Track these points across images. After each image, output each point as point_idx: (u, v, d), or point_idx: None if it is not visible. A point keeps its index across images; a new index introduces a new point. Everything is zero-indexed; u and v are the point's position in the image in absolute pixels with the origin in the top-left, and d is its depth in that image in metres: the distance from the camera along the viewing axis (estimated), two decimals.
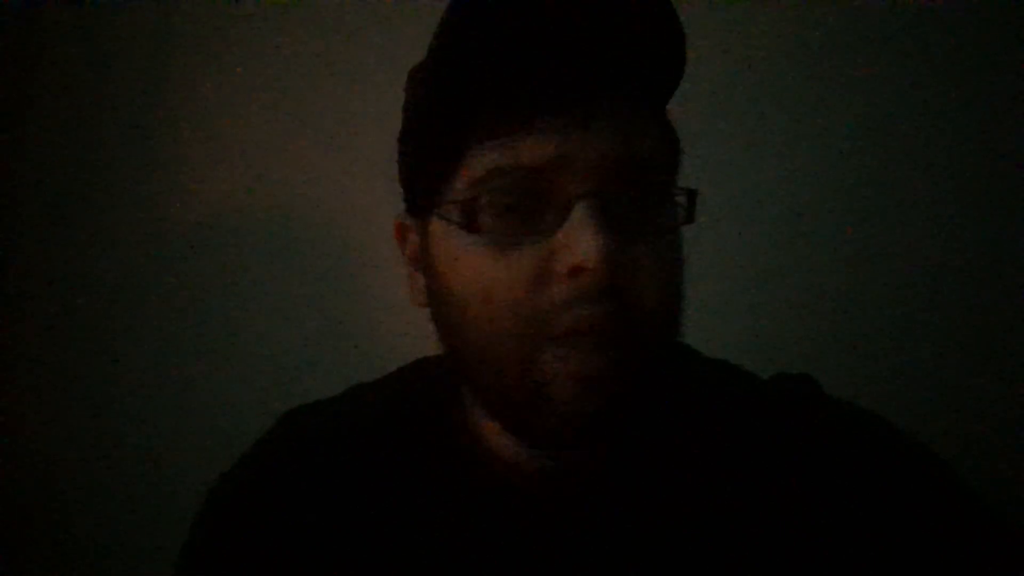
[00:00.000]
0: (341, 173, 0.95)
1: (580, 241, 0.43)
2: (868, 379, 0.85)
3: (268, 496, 0.54)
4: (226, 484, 0.57)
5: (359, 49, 0.95)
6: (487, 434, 0.51)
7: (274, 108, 0.97)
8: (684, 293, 0.49)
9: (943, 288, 0.87)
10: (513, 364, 0.45)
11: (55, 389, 1.01)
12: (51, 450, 1.00)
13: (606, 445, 0.50)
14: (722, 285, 0.89)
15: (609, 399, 0.45)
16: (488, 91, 0.45)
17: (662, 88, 0.49)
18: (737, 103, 0.89)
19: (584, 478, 0.50)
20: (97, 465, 0.99)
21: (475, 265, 0.46)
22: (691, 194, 0.48)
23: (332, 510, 0.53)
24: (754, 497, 0.50)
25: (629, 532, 0.50)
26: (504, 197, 0.45)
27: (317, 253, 0.97)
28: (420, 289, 0.52)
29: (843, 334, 0.88)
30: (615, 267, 0.44)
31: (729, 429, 0.52)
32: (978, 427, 0.85)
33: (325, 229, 0.97)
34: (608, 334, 0.44)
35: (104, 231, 1.00)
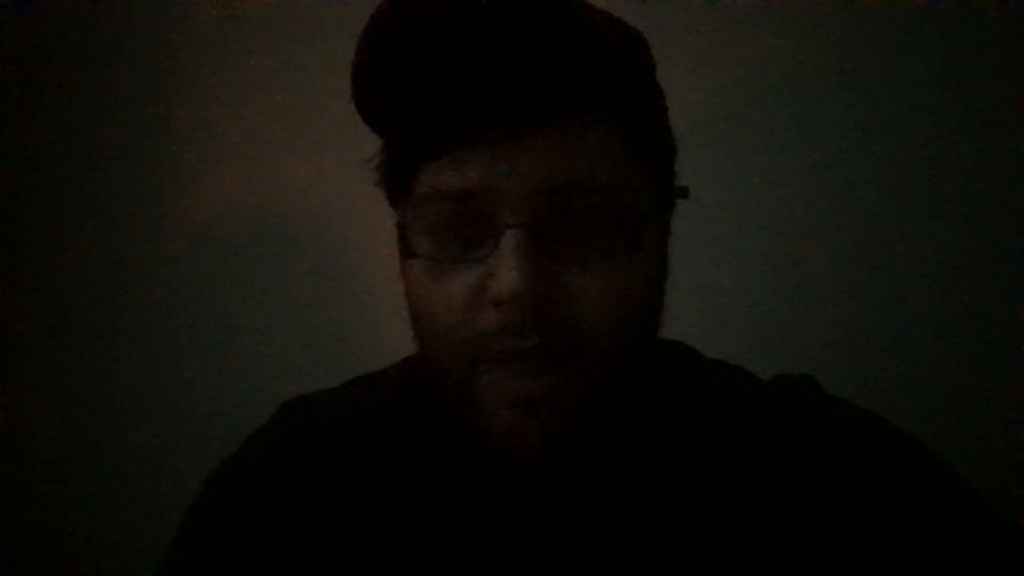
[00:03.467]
0: (341, 173, 0.95)
1: (502, 273, 0.43)
2: (868, 379, 0.85)
3: (266, 482, 0.55)
4: (225, 470, 0.57)
5: None
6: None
7: (274, 108, 0.97)
8: (641, 312, 0.47)
9: (943, 288, 0.87)
10: (453, 382, 0.46)
11: (55, 389, 1.01)
12: (51, 450, 1.00)
13: (601, 446, 0.50)
14: (722, 285, 0.89)
15: (545, 423, 0.44)
16: (414, 116, 0.45)
17: (619, 100, 0.47)
18: (737, 103, 0.89)
19: (575, 473, 0.50)
20: (97, 465, 0.99)
21: (418, 286, 0.47)
22: (641, 217, 0.46)
23: (330, 497, 0.53)
24: (755, 497, 0.50)
25: (622, 530, 0.50)
26: (437, 223, 0.45)
27: (317, 253, 0.97)
28: None
29: (843, 334, 0.88)
30: (540, 300, 0.43)
31: (730, 429, 0.52)
32: (978, 427, 0.85)
33: (325, 229, 0.97)
34: (537, 363, 0.44)
35: (104, 231, 1.00)
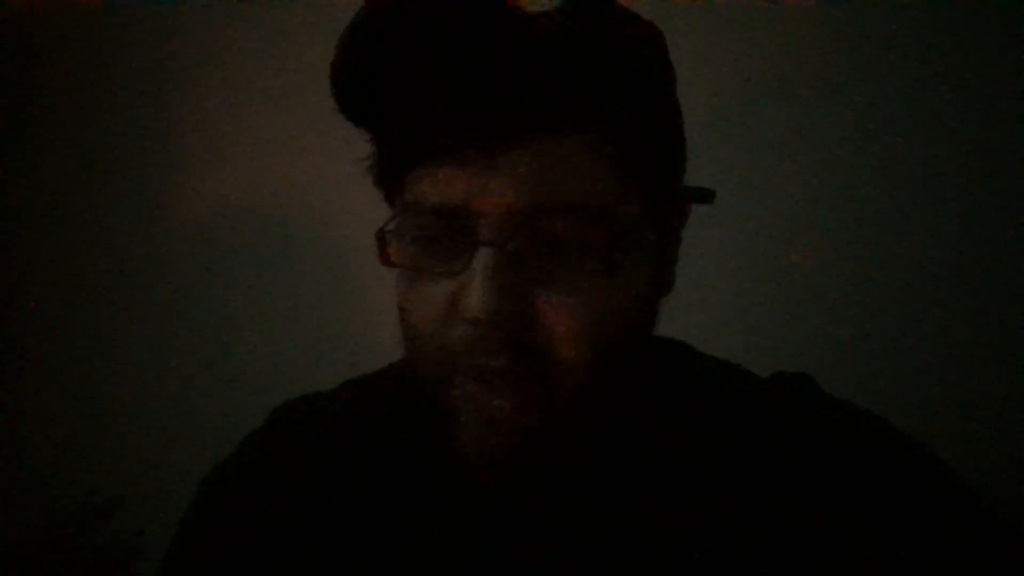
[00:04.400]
0: (341, 173, 0.95)
1: (472, 292, 0.42)
2: (868, 379, 0.85)
3: (260, 486, 0.55)
4: (219, 474, 0.57)
5: None
6: None
7: (274, 108, 0.97)
8: (617, 336, 0.45)
9: (943, 288, 0.87)
10: (430, 391, 0.46)
11: (55, 389, 1.01)
12: (51, 450, 1.00)
13: (595, 443, 0.50)
14: (722, 285, 0.89)
15: (513, 438, 0.44)
16: (400, 126, 0.44)
17: (613, 113, 0.45)
18: (737, 103, 0.89)
19: (575, 474, 0.50)
20: (97, 465, 0.99)
21: (400, 291, 0.47)
22: (623, 242, 0.44)
23: (325, 500, 0.53)
24: (751, 496, 0.50)
25: (621, 530, 0.50)
26: (418, 232, 0.45)
27: (317, 253, 0.97)
28: None
29: (843, 334, 0.88)
30: (509, 320, 0.42)
31: (726, 427, 0.52)
32: (978, 427, 0.85)
33: (325, 229, 0.97)
34: (505, 382, 0.43)
35: (104, 231, 1.00)
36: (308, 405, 0.60)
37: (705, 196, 0.50)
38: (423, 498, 0.52)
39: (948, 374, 0.87)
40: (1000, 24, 0.86)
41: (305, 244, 0.97)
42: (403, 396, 0.55)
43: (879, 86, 0.88)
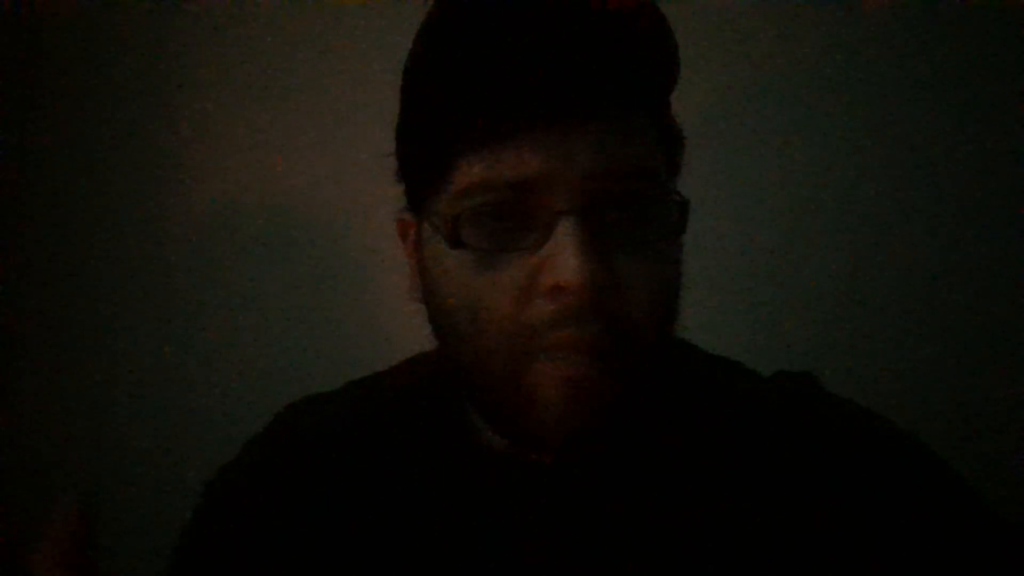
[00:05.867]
0: (341, 173, 0.95)
1: (562, 260, 0.43)
2: (868, 379, 0.85)
3: (266, 487, 0.55)
4: (225, 475, 0.57)
5: (359, 49, 0.95)
6: (481, 428, 0.52)
7: (274, 108, 0.97)
8: (677, 301, 0.49)
9: (943, 288, 0.87)
10: (501, 375, 0.46)
11: (55, 389, 1.01)
12: (51, 450, 1.00)
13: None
14: (722, 285, 0.89)
15: (597, 408, 0.45)
16: (468, 104, 0.45)
17: (657, 91, 0.49)
18: (737, 103, 0.89)
19: (579, 473, 0.50)
20: (97, 465, 0.99)
21: (461, 278, 0.46)
22: (683, 204, 0.48)
23: (329, 502, 0.53)
24: (753, 494, 0.50)
25: (625, 528, 0.50)
26: (487, 212, 0.45)
27: (317, 252, 0.97)
28: (418, 286, 0.52)
29: (843, 334, 0.88)
30: (598, 286, 0.43)
31: (729, 425, 0.52)
32: (978, 427, 0.85)
33: (325, 229, 0.97)
34: (593, 351, 0.44)
35: (104, 231, 1.00)
36: (312, 407, 0.60)
37: None
38: (428, 499, 0.52)
39: (948, 374, 0.87)
40: (1000, 24, 0.86)
41: (306, 244, 0.97)
42: (415, 394, 0.56)
43: (879, 86, 0.88)
